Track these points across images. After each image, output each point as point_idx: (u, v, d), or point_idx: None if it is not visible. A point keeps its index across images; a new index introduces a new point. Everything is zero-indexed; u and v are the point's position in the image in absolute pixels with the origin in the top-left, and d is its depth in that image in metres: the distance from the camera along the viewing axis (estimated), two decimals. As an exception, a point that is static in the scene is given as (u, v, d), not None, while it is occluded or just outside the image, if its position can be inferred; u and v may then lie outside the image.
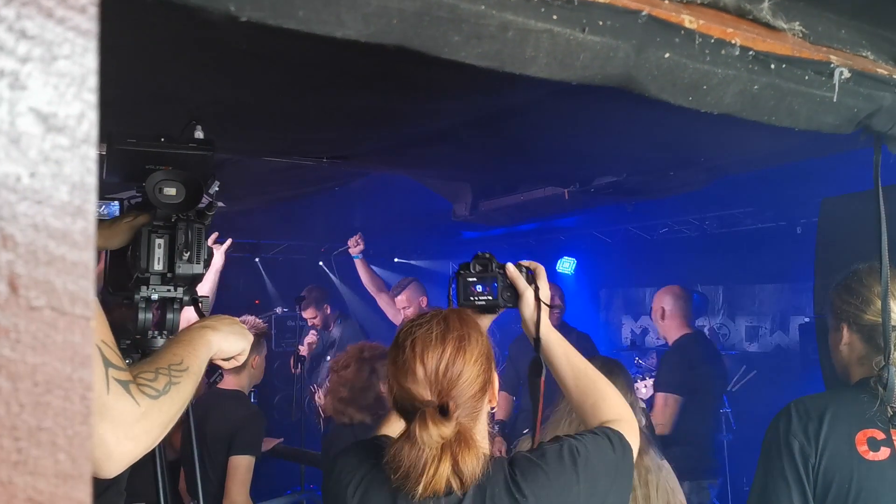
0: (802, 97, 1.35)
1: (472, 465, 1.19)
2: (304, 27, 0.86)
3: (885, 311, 1.54)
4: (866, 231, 1.62)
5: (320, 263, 7.64)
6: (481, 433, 1.31)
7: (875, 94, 1.43)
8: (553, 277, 6.66)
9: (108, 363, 0.97)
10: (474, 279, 1.64)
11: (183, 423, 1.48)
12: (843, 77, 1.35)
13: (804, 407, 1.58)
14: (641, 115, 2.29)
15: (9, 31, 0.36)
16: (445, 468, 1.18)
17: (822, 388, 2.03)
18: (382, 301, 5.06)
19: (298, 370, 5.04)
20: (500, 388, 1.42)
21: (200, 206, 1.60)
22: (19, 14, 0.36)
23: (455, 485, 1.20)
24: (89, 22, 0.38)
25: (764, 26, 1.25)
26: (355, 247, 4.98)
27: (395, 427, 1.48)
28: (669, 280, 4.21)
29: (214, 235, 3.77)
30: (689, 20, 1.15)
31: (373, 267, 5.28)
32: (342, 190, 4.12)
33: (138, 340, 1.58)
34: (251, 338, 1.41)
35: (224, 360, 1.38)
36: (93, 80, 0.39)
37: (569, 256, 7.40)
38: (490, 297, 1.62)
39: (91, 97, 0.39)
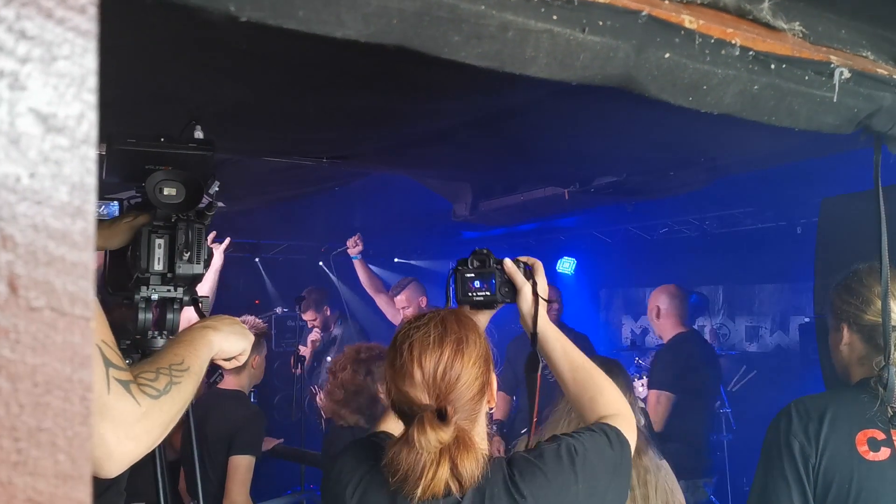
0: (802, 97, 1.35)
1: (471, 467, 1.19)
2: (304, 27, 0.86)
3: (885, 311, 1.54)
4: (866, 231, 1.62)
5: (320, 263, 7.62)
6: (480, 434, 1.30)
7: (875, 95, 1.43)
8: (553, 277, 6.66)
9: (108, 363, 0.97)
10: (472, 275, 1.63)
11: (183, 423, 1.48)
12: (843, 77, 1.35)
13: (804, 407, 1.58)
14: (641, 115, 2.28)
15: (8, 31, 0.36)
16: (444, 471, 1.17)
17: (822, 388, 2.02)
18: (381, 301, 5.06)
19: (298, 370, 5.04)
20: (498, 389, 1.41)
21: (200, 206, 1.59)
22: (19, 14, 0.36)
23: (454, 487, 1.19)
24: (89, 22, 0.38)
25: (764, 26, 1.24)
26: (354, 247, 4.98)
27: (394, 423, 1.46)
28: (669, 280, 4.21)
29: (212, 235, 3.77)
30: (689, 20, 1.15)
31: (373, 267, 5.28)
32: (342, 190, 4.12)
33: (138, 340, 1.58)
34: (252, 338, 1.41)
35: (225, 360, 1.38)
36: (92, 81, 0.39)
37: (569, 256, 7.40)
38: (488, 293, 1.62)
39: (91, 98, 0.39)
